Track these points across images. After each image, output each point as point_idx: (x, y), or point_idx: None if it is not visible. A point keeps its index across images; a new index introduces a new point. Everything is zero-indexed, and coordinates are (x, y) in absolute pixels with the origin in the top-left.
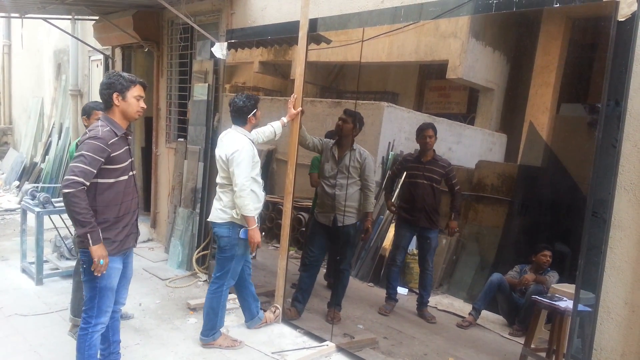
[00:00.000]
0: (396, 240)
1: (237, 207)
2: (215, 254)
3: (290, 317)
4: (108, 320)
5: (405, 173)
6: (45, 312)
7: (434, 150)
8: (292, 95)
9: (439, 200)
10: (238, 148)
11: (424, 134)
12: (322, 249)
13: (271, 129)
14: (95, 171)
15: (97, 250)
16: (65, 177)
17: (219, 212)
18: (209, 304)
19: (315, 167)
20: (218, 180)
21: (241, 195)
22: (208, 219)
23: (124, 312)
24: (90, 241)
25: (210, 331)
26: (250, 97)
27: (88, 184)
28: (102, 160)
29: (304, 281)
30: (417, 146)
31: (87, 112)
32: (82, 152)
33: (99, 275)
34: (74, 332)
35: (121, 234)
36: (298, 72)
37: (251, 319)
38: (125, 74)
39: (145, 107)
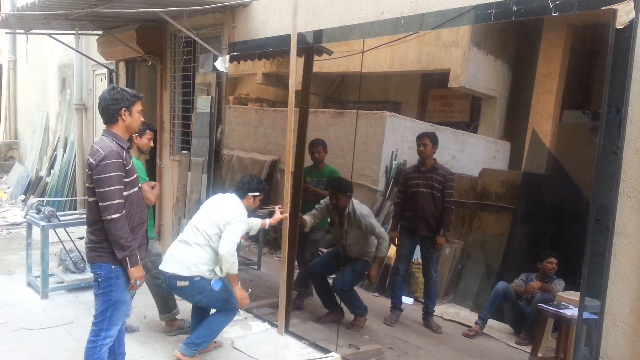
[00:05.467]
0: (398, 249)
1: (224, 267)
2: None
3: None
4: (117, 333)
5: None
6: (51, 326)
7: (434, 159)
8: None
9: (440, 208)
10: (239, 215)
11: (418, 142)
12: (328, 264)
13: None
14: (123, 187)
15: (135, 273)
16: (105, 204)
17: (196, 266)
18: (214, 320)
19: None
20: (202, 229)
21: (228, 258)
22: (169, 270)
23: (129, 325)
24: (129, 264)
25: (196, 347)
26: (260, 181)
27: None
28: (124, 174)
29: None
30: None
31: (141, 132)
32: (110, 174)
33: (133, 290)
34: (171, 331)
35: (135, 245)
36: (291, 83)
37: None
38: (127, 89)
39: (144, 120)
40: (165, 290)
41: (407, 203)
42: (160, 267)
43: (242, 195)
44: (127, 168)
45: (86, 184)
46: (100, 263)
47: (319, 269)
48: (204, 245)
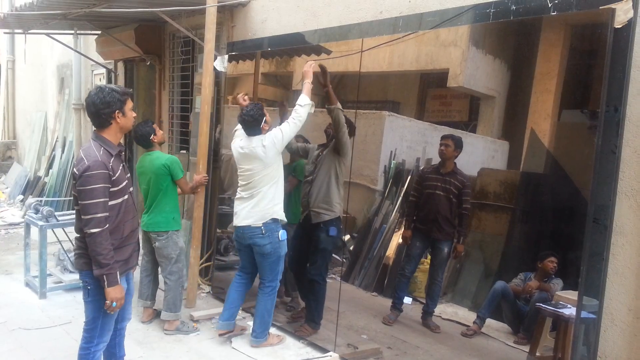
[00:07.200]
0: (408, 249)
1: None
2: (259, 261)
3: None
4: (109, 339)
5: (423, 184)
6: (49, 326)
7: (454, 163)
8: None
9: (455, 213)
10: (271, 133)
11: (441, 142)
12: (300, 249)
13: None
14: (108, 199)
15: (112, 293)
16: (87, 218)
17: (265, 210)
18: (263, 306)
19: (299, 173)
20: (255, 177)
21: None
22: (239, 224)
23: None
24: (106, 283)
25: (265, 332)
26: (258, 107)
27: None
28: (110, 185)
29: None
30: (419, 155)
31: (153, 131)
32: (93, 186)
33: (112, 313)
34: (170, 330)
35: (126, 253)
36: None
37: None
38: (116, 88)
39: (136, 115)
40: (180, 288)
41: (422, 204)
42: (234, 224)
43: (259, 130)
44: (113, 178)
45: (72, 192)
46: (89, 270)
47: (293, 255)
48: (268, 187)
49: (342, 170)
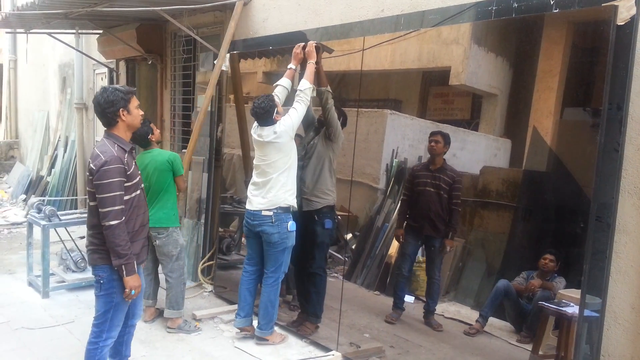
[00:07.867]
0: (402, 247)
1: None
2: (265, 249)
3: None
4: (117, 335)
5: (414, 182)
6: (52, 325)
7: (444, 160)
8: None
9: (447, 209)
10: (282, 121)
11: (430, 138)
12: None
13: (281, 89)
14: (124, 192)
15: (130, 281)
16: (105, 211)
17: (277, 197)
18: (267, 297)
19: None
20: (268, 164)
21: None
22: (254, 208)
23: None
24: (125, 272)
25: (269, 324)
26: (269, 98)
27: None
28: (125, 179)
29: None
30: (421, 153)
31: (151, 130)
32: (110, 180)
33: (129, 300)
34: (173, 328)
35: (137, 247)
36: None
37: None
38: (120, 87)
39: (143, 113)
40: (182, 286)
41: (414, 201)
42: (246, 207)
43: (272, 120)
44: (128, 172)
45: (87, 188)
46: (103, 265)
47: (295, 254)
48: (279, 174)
49: (334, 157)
